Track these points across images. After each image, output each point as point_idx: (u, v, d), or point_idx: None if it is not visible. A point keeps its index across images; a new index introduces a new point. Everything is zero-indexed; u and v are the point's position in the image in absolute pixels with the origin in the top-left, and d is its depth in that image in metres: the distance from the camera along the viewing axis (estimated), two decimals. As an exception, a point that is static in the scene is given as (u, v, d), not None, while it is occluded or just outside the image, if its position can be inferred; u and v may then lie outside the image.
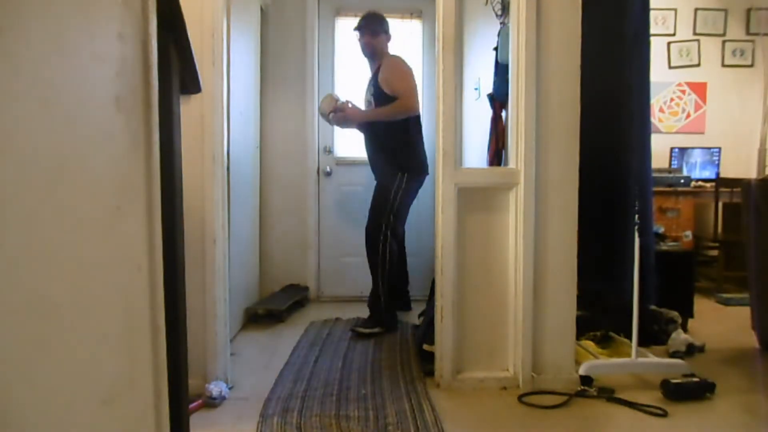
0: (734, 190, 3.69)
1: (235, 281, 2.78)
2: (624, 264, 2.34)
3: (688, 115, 4.61)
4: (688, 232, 4.06)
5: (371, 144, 3.25)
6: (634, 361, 2.28)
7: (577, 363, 2.28)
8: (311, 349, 2.79)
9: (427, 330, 2.56)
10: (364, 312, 3.28)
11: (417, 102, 3.12)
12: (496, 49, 2.89)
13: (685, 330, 2.86)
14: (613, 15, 2.49)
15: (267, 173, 3.86)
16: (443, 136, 2.23)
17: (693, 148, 4.49)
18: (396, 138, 3.11)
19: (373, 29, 3.18)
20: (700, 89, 4.58)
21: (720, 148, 4.45)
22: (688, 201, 4.08)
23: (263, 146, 3.80)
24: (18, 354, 0.60)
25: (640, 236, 2.25)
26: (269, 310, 3.35)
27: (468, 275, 2.28)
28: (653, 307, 2.80)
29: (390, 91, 3.05)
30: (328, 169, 3.97)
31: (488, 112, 3.10)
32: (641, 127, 2.42)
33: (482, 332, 2.30)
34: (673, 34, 4.57)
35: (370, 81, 3.25)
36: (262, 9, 3.60)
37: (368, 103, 3.24)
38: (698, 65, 4.59)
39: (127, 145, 0.85)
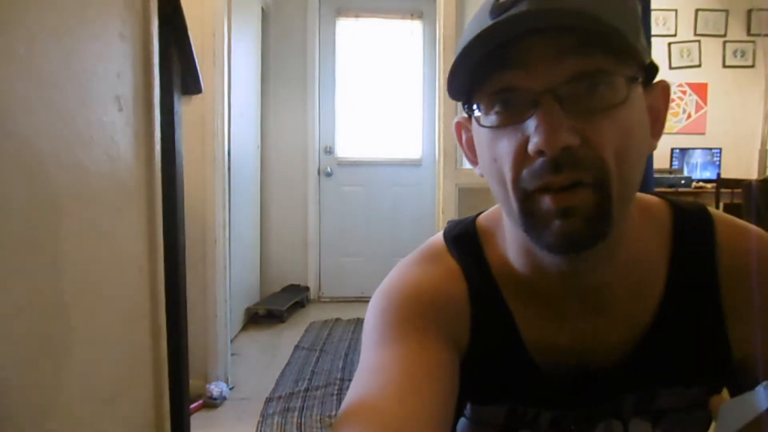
0: (735, 191, 3.69)
1: (236, 281, 2.78)
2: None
3: (689, 116, 4.61)
4: (689, 233, 4.04)
5: None
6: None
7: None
8: (312, 349, 2.79)
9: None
10: (364, 312, 3.28)
11: None
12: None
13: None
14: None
15: (268, 174, 3.86)
16: (443, 137, 2.23)
17: (694, 148, 4.49)
18: None
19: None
20: (700, 90, 4.58)
21: (721, 149, 4.45)
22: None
23: (264, 147, 3.80)
24: (20, 354, 0.60)
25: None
26: (270, 310, 3.35)
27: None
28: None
29: None
30: (329, 170, 3.97)
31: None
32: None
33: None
34: (674, 35, 4.57)
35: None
36: (263, 9, 3.60)
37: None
38: (699, 66, 4.59)
39: (128, 145, 0.85)
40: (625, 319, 0.54)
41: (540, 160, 0.44)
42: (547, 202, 0.44)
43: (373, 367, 0.50)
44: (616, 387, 0.56)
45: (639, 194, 0.54)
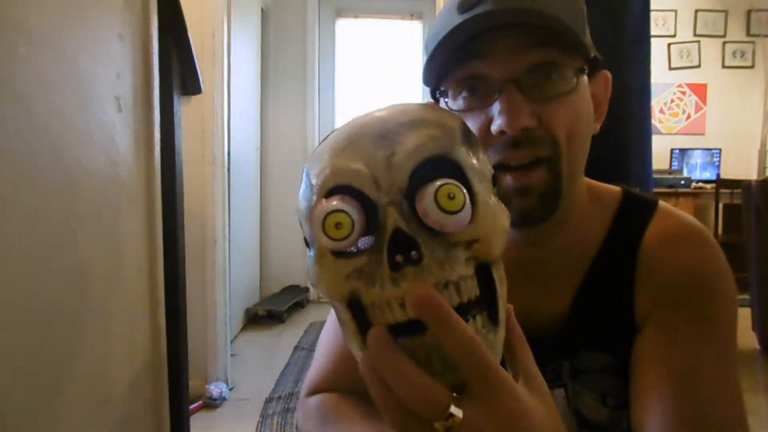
0: (734, 191, 3.69)
1: (236, 282, 2.78)
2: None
3: (689, 117, 4.61)
4: (689, 233, 4.04)
5: None
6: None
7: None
8: (312, 349, 2.79)
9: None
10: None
11: None
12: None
13: (685, 331, 2.85)
14: (614, 16, 2.49)
15: (267, 174, 3.87)
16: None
17: (693, 149, 4.49)
18: None
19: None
20: (700, 90, 4.58)
21: (720, 150, 4.45)
22: (688, 202, 4.08)
23: (264, 147, 3.80)
24: (20, 354, 0.60)
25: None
26: (270, 311, 3.35)
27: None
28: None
29: None
30: (328, 170, 3.96)
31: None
32: (642, 128, 2.42)
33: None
34: (674, 36, 4.58)
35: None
36: (262, 10, 3.60)
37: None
38: (698, 66, 4.59)
39: (128, 145, 0.85)
40: (558, 290, 0.60)
41: (501, 139, 0.50)
42: (507, 180, 0.51)
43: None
44: (553, 352, 0.61)
45: (595, 183, 0.63)
